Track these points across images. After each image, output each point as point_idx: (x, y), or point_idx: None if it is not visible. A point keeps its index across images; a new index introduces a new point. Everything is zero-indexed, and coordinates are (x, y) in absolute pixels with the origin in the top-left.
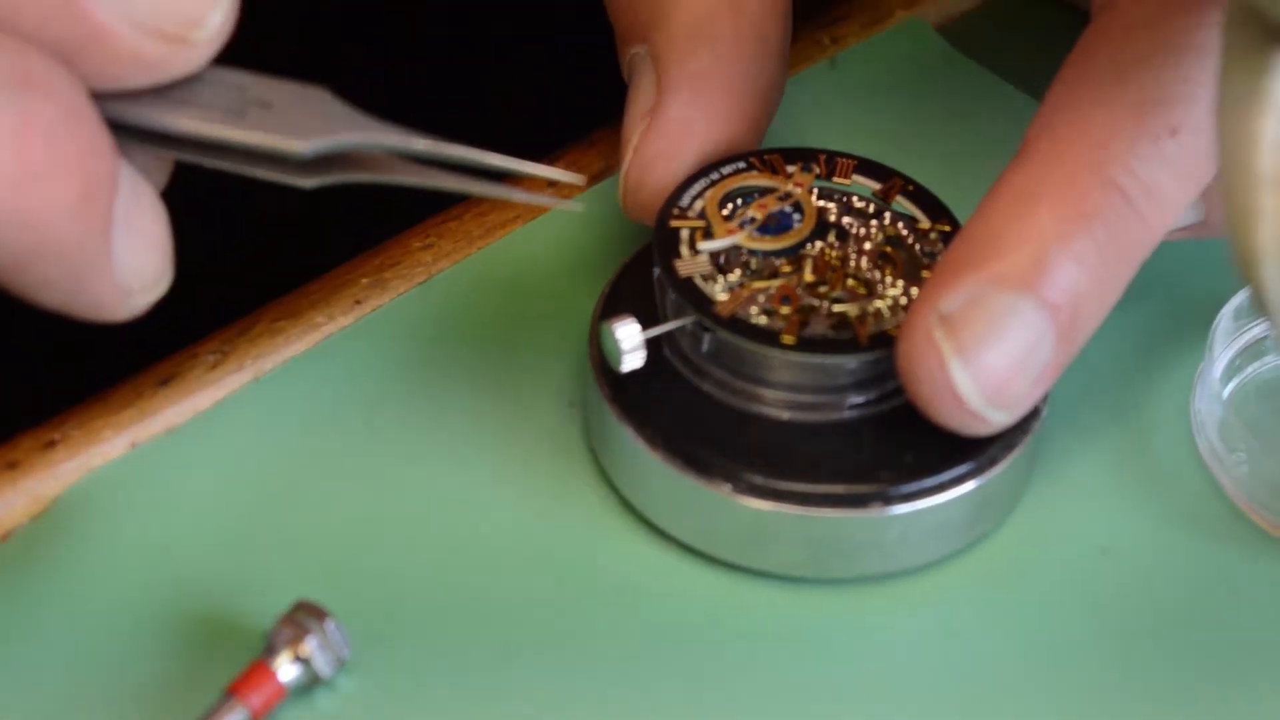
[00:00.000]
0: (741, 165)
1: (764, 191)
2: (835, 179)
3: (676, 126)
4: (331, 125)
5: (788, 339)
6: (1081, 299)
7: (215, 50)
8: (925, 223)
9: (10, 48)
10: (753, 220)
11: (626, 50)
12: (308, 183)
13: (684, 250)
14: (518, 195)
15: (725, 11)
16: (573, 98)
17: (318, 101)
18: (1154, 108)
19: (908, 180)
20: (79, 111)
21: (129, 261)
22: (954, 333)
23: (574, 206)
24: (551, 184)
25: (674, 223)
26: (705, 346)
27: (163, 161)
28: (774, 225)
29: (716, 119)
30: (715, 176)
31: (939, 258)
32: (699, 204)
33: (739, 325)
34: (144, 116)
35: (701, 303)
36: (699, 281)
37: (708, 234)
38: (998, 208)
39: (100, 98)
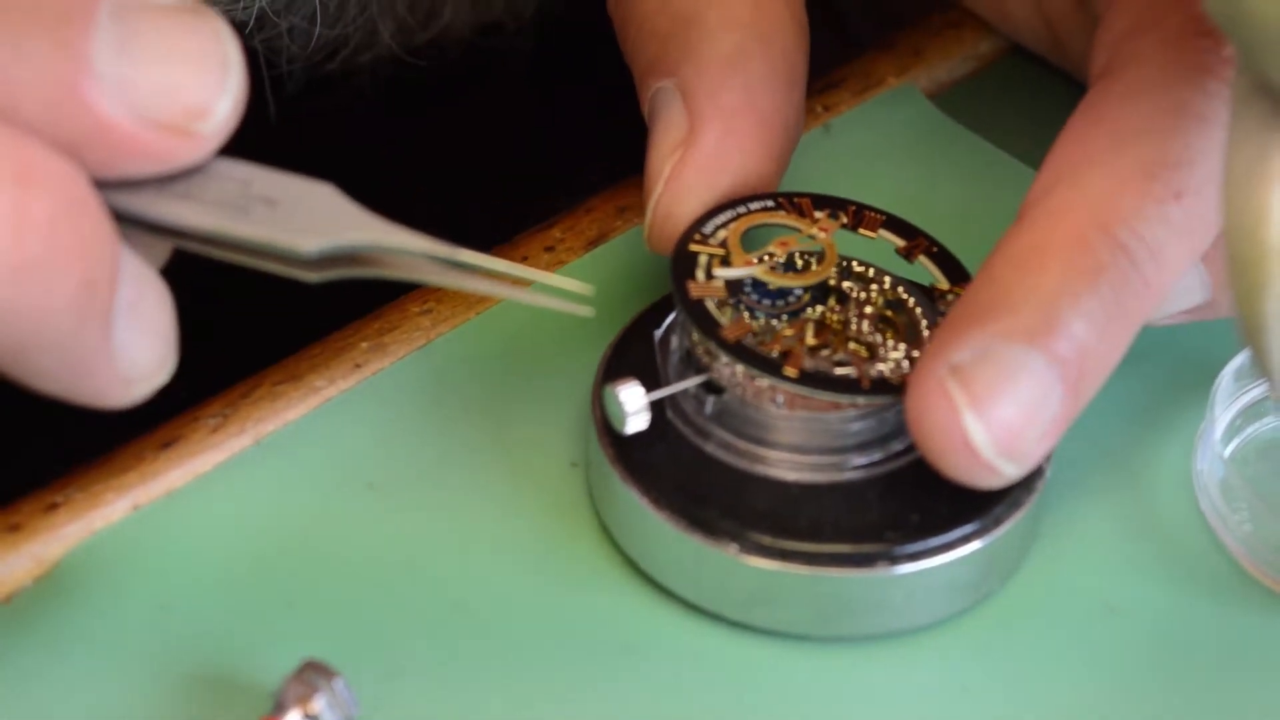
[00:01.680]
0: (770, 204)
1: (788, 231)
2: (861, 230)
3: (711, 159)
4: (337, 225)
5: (790, 371)
6: (1088, 354)
7: (220, 142)
8: (944, 284)
9: (9, 139)
10: (771, 256)
11: (650, 85)
12: (313, 277)
13: (699, 274)
14: (524, 296)
15: (755, 45)
16: (567, 165)
17: (323, 199)
18: (1158, 171)
19: (932, 241)
20: (80, 204)
21: (130, 352)
22: (967, 384)
23: (583, 311)
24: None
25: (693, 246)
26: (709, 408)
27: (165, 243)
28: (794, 264)
29: (748, 152)
30: (742, 210)
31: (946, 314)
32: (722, 234)
33: (743, 352)
34: (147, 208)
35: (708, 326)
36: (710, 306)
37: (725, 262)
38: (1005, 265)
39: (103, 186)
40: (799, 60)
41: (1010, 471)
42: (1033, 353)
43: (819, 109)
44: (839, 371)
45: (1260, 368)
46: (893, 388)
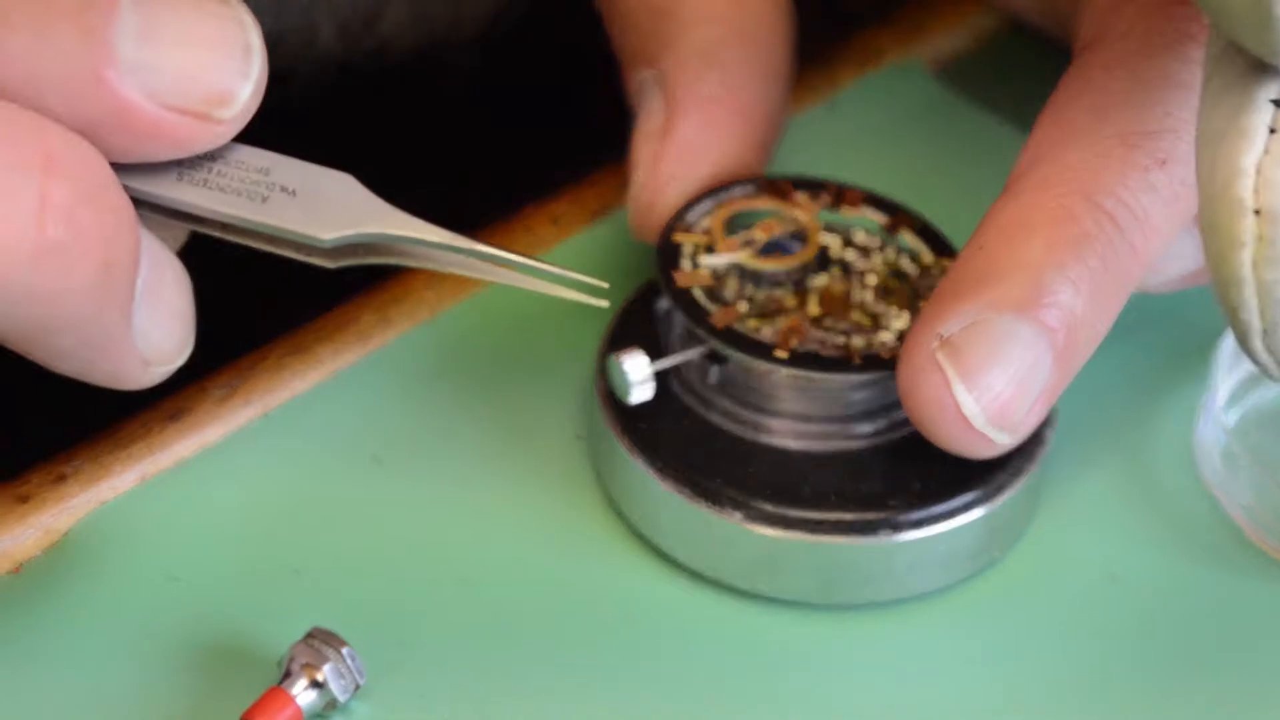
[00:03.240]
0: (751, 189)
1: (769, 215)
2: (843, 208)
3: (688, 149)
4: (355, 216)
5: (781, 353)
6: (1077, 323)
7: (241, 126)
8: (929, 257)
9: (32, 125)
10: (755, 241)
11: (634, 75)
12: (330, 264)
13: (684, 263)
14: (541, 287)
15: (734, 38)
16: (571, 138)
17: (342, 189)
18: (1141, 140)
19: (914, 215)
20: (101, 189)
21: (150, 334)
22: (956, 355)
23: (598, 302)
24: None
25: (677, 236)
26: (712, 378)
27: (183, 227)
28: (777, 247)
29: (726, 141)
30: (724, 198)
31: (935, 286)
32: (705, 221)
33: (734, 337)
34: (166, 193)
35: (697, 315)
36: (698, 294)
37: (710, 250)
38: (992, 236)
39: (123, 170)
40: (780, 51)
41: (1004, 440)
42: (1021, 322)
43: (822, 84)
44: (829, 351)
45: (1232, 327)
46: (884, 363)
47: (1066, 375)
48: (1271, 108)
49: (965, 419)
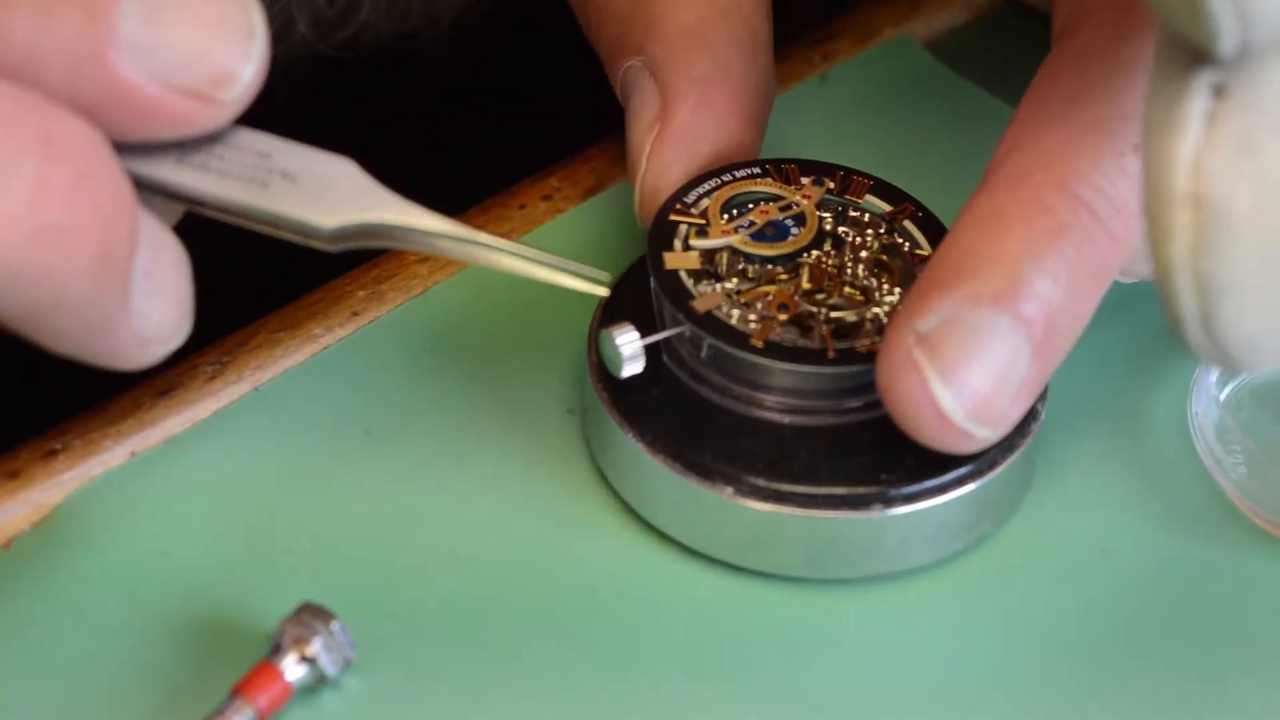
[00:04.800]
0: (756, 171)
1: (770, 199)
2: (848, 196)
3: (688, 131)
4: (356, 203)
5: (756, 342)
6: (1055, 314)
7: (243, 108)
8: (926, 249)
9: (32, 105)
10: (751, 225)
11: (619, 65)
12: (330, 248)
13: (676, 244)
14: (541, 274)
15: (716, 15)
16: (564, 115)
17: (343, 175)
18: (1115, 125)
19: (918, 206)
20: (100, 169)
21: (148, 314)
22: (934, 351)
23: (599, 290)
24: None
25: (674, 216)
26: (704, 352)
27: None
28: (772, 232)
29: (725, 121)
30: (727, 179)
31: (911, 284)
32: (704, 203)
33: (712, 324)
34: (167, 176)
35: (680, 298)
36: (684, 277)
37: (702, 232)
38: (968, 229)
39: (122, 150)
40: (762, 25)
41: (985, 435)
42: (999, 315)
43: (817, 59)
44: (819, 325)
45: (1165, 314)
46: (859, 357)
47: (1047, 367)
48: (1208, 96)
49: (945, 415)
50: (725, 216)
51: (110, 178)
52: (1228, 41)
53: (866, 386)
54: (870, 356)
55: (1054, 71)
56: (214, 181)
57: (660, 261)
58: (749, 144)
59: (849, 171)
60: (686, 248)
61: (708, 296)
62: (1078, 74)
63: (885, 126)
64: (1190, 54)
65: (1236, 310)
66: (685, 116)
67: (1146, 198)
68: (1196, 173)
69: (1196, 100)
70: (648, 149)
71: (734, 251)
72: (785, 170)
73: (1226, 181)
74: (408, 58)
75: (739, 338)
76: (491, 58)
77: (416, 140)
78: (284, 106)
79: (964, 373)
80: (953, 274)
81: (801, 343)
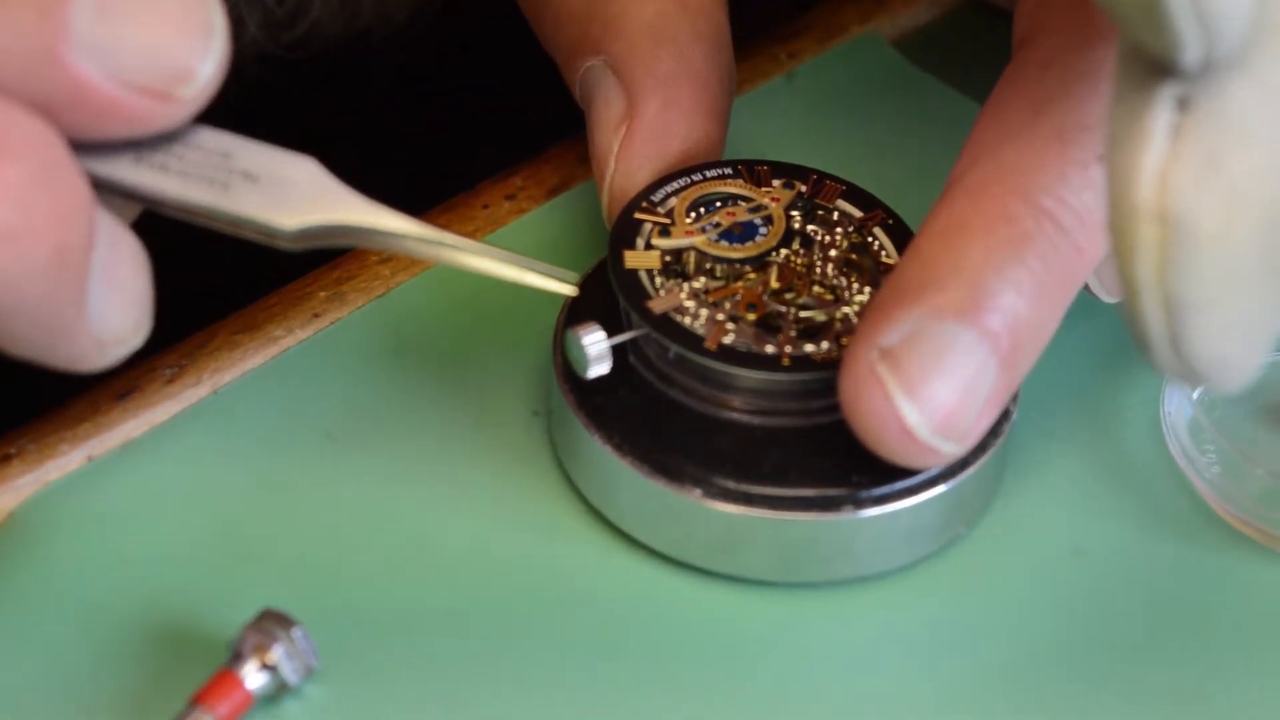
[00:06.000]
0: (727, 171)
1: (738, 200)
2: (819, 200)
3: (656, 130)
4: (319, 204)
5: (710, 346)
6: (1020, 326)
7: (201, 106)
8: (893, 257)
9: None
10: (716, 226)
11: (578, 66)
12: (292, 247)
13: (639, 242)
14: (508, 274)
15: (677, 11)
16: (523, 114)
17: (305, 175)
18: (1078, 135)
19: (889, 213)
20: (55, 169)
21: (106, 315)
22: (897, 366)
23: (567, 290)
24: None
25: (638, 215)
26: (670, 353)
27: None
28: (738, 234)
29: (691, 118)
30: (696, 178)
31: (873, 296)
32: (671, 201)
33: (667, 325)
34: (125, 176)
35: (637, 297)
36: (643, 277)
37: (666, 232)
38: (930, 242)
39: (79, 149)
40: (721, 19)
41: (950, 450)
42: (962, 329)
43: (783, 57)
44: (788, 325)
45: (1135, 332)
46: (814, 365)
47: (1013, 380)
48: (1171, 109)
49: (909, 431)
50: (691, 216)
51: (66, 177)
52: (1191, 54)
53: (834, 388)
54: (826, 364)
55: (1015, 81)
56: (174, 182)
57: (620, 260)
58: (715, 141)
59: (821, 175)
60: (649, 247)
61: (665, 297)
62: (1039, 83)
63: (852, 124)
64: (1153, 66)
65: (1204, 328)
66: (653, 115)
67: (1111, 213)
68: (1161, 188)
69: (1160, 114)
70: (615, 149)
71: (699, 252)
72: (757, 171)
73: (1192, 197)
74: (360, 57)
75: (693, 340)
76: (446, 56)
77: (374, 140)
78: (236, 108)
79: (928, 388)
80: (915, 287)
81: (756, 347)
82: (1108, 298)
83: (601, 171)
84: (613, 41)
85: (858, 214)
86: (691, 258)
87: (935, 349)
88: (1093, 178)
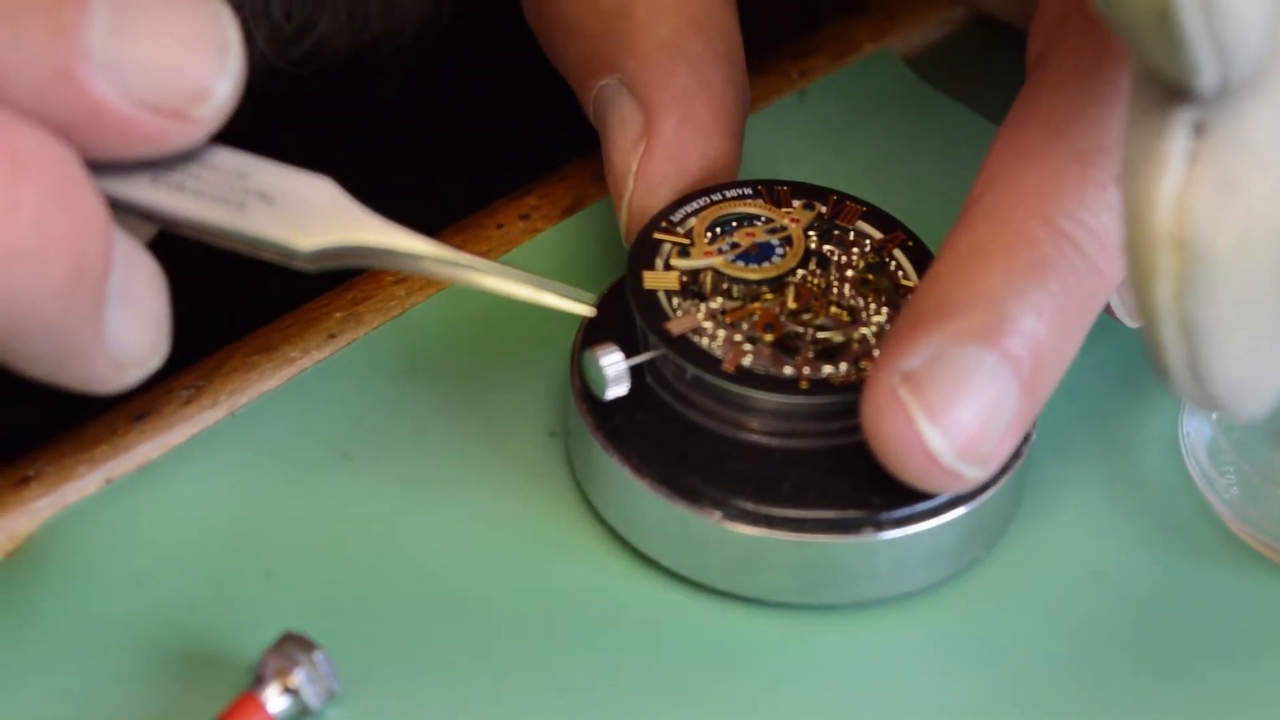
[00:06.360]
0: (747, 191)
1: (757, 220)
2: (839, 221)
3: (675, 148)
4: (335, 224)
5: (728, 368)
6: (1041, 350)
7: (218, 125)
8: (912, 279)
9: (1, 122)
10: (735, 246)
11: (592, 84)
12: (309, 268)
13: (657, 263)
14: (524, 294)
15: (691, 27)
16: (534, 130)
17: (321, 195)
18: (1096, 157)
19: (909, 234)
20: (73, 189)
21: (123, 336)
22: (919, 390)
23: (584, 310)
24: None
25: (657, 235)
26: (688, 374)
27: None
28: (756, 254)
29: (709, 135)
30: (716, 198)
31: (895, 321)
32: (690, 221)
33: (685, 347)
34: (141, 197)
35: (655, 318)
36: (662, 297)
37: (685, 252)
38: (950, 266)
39: (96, 169)
40: (735, 35)
41: (974, 475)
42: (984, 353)
43: (795, 75)
44: (805, 346)
45: (1152, 357)
46: (833, 387)
47: (1035, 403)
48: (1188, 134)
49: (933, 456)
50: (709, 235)
51: (83, 197)
52: (1207, 79)
53: (853, 410)
54: (845, 387)
55: (1031, 103)
56: (190, 202)
57: (639, 280)
58: (733, 158)
59: (842, 196)
60: (667, 267)
61: (683, 318)
62: (1055, 105)
63: (864, 141)
64: (1168, 91)
65: (1223, 354)
66: (671, 133)
67: (1128, 238)
68: (1178, 214)
69: (1176, 139)
70: (634, 167)
71: (717, 273)
72: (777, 191)
73: (1209, 222)
74: (368, 71)
75: (711, 363)
76: (455, 72)
77: (384, 158)
78: (243, 123)
79: (951, 412)
80: (935, 311)
81: (774, 369)
82: (1131, 322)
83: (620, 190)
84: (627, 59)
85: (877, 235)
86: (709, 278)
87: (957, 373)
88: (1111, 200)
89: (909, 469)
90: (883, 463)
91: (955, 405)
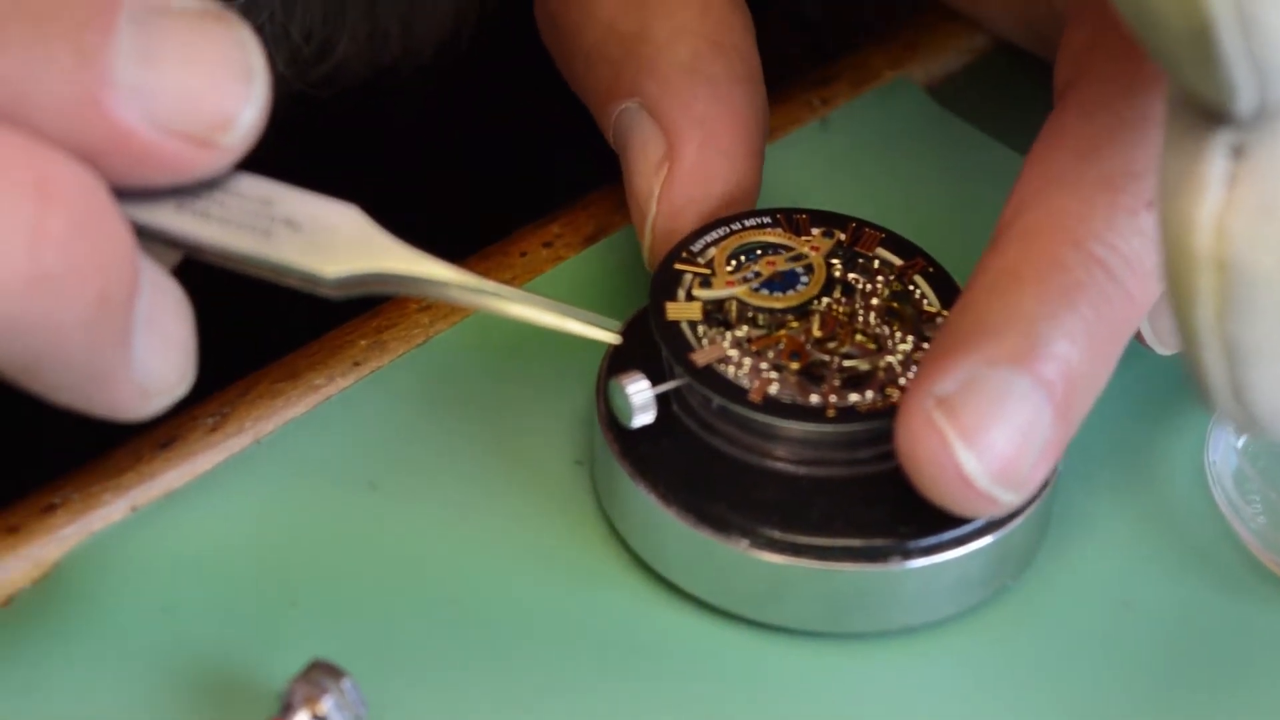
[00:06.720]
0: (766, 220)
1: (778, 249)
2: (858, 248)
3: (697, 172)
4: (360, 252)
5: (754, 398)
6: (1074, 374)
7: (243, 152)
8: (935, 305)
9: (26, 149)
10: (757, 275)
11: (612, 109)
12: (335, 296)
13: (680, 294)
14: (550, 321)
15: (711, 49)
16: (561, 154)
17: (347, 222)
18: (1127, 182)
19: (929, 260)
20: (99, 216)
21: (149, 364)
22: (954, 415)
23: (610, 338)
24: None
25: (679, 265)
26: (714, 402)
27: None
28: (780, 283)
29: (731, 156)
30: (736, 227)
31: (929, 346)
32: (711, 252)
33: (711, 378)
34: (166, 223)
35: (680, 350)
36: (685, 328)
37: (706, 283)
38: (982, 291)
39: (121, 196)
40: (753, 57)
41: (1008, 499)
42: (1018, 377)
43: (816, 102)
44: (831, 374)
45: (1195, 382)
46: (860, 415)
47: (1069, 428)
48: (1226, 156)
49: (968, 480)
50: (731, 264)
51: (109, 224)
52: (1245, 101)
53: (880, 438)
54: (871, 414)
55: (1060, 128)
56: (216, 229)
57: (662, 312)
58: (755, 181)
59: (860, 223)
60: (690, 298)
61: (708, 349)
62: (1085, 130)
63: (886, 169)
64: (1205, 114)
65: (1266, 376)
66: (693, 157)
67: (1166, 262)
68: (1218, 235)
69: (1215, 162)
70: (657, 191)
71: (740, 302)
72: (796, 220)
73: (1250, 243)
74: (387, 93)
75: (737, 393)
76: (475, 95)
77: (403, 179)
78: (262, 145)
79: (986, 435)
80: (969, 336)
81: (801, 398)
82: (1163, 350)
83: (642, 215)
84: (648, 82)
85: (898, 262)
86: (734, 306)
87: (992, 396)
88: (1141, 225)
89: (944, 493)
90: (917, 487)
91: (990, 429)
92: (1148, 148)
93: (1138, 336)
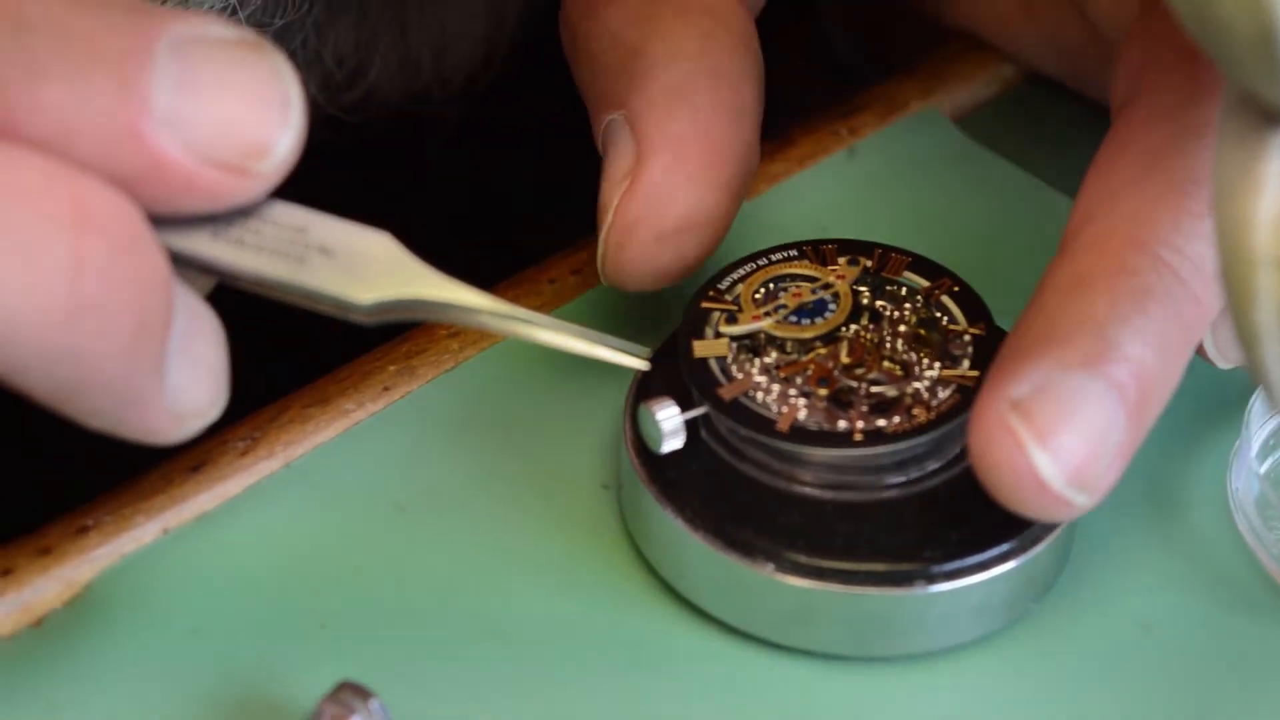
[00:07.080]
0: (792, 253)
1: (805, 280)
2: (885, 274)
3: (658, 189)
4: (395, 279)
5: (782, 428)
6: (1146, 377)
7: (279, 180)
8: (961, 324)
9: (65, 178)
10: (783, 307)
11: (602, 118)
12: (366, 321)
13: (708, 332)
14: (580, 348)
15: (703, 75)
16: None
17: (380, 250)
18: (1193, 187)
19: (956, 280)
20: (136, 244)
21: (183, 389)
22: (1029, 418)
23: (639, 365)
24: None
25: (705, 304)
26: (743, 432)
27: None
28: (809, 311)
29: (697, 180)
30: (762, 262)
31: (1000, 349)
32: (738, 288)
33: (738, 411)
34: (201, 250)
35: (707, 385)
36: (712, 364)
37: (733, 319)
38: (1051, 296)
39: (156, 222)
40: (749, 92)
41: (1083, 502)
42: (1091, 380)
43: (844, 132)
44: (860, 400)
45: (1257, 380)
46: (886, 437)
47: (1141, 430)
48: None
49: (1044, 482)
50: (758, 296)
51: (146, 251)
52: None
53: (906, 462)
54: (898, 436)
55: (1123, 139)
56: (250, 256)
57: (690, 350)
58: (723, 210)
59: (886, 249)
60: (717, 335)
61: (736, 383)
62: (1147, 140)
63: (912, 199)
64: (1265, 114)
65: None
66: (657, 173)
67: (1223, 262)
68: (1277, 234)
69: (1274, 161)
70: (615, 204)
71: (768, 335)
72: (822, 250)
73: None
74: (419, 120)
75: (765, 424)
76: (506, 120)
77: (434, 205)
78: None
79: (1061, 438)
80: (1041, 341)
81: (828, 424)
82: (1224, 364)
83: (599, 224)
84: (634, 96)
85: (925, 283)
86: (763, 336)
87: (1066, 399)
88: (1207, 229)
89: (1019, 496)
90: (992, 491)
91: (1065, 431)
92: (1210, 155)
93: (1199, 350)
